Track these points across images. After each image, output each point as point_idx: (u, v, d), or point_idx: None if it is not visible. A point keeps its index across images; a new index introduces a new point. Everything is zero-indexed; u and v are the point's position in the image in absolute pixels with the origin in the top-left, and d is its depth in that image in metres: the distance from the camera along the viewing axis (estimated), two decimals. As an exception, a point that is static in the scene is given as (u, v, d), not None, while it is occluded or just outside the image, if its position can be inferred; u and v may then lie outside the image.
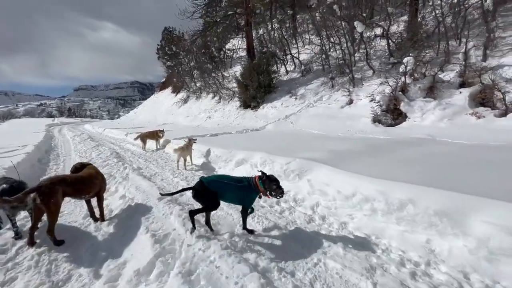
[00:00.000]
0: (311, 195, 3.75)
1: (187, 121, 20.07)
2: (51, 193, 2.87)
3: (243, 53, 25.26)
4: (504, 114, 5.99)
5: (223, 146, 6.86)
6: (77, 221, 3.61)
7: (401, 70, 8.08)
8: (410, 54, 8.45)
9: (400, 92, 7.95)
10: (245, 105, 16.22)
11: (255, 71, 14.90)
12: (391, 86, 7.87)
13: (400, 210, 2.74)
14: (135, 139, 9.96)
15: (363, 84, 10.93)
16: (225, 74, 22.38)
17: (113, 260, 2.63)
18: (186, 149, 6.67)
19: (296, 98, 13.45)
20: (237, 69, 22.21)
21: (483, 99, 6.51)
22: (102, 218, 3.57)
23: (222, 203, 3.02)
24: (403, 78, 8.14)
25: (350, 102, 10.33)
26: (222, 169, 5.94)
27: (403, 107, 7.62)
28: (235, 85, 19.61)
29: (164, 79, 39.50)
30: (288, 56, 17.85)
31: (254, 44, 18.29)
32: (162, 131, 9.52)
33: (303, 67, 16.30)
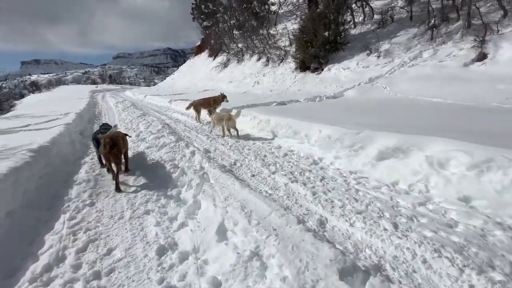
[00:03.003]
0: None
1: (231, 87, 17.59)
2: None
3: (287, 8, 21.24)
4: None
5: (327, 122, 4.40)
6: None
7: None
8: None
9: None
10: (303, 67, 13.15)
11: (321, 22, 11.51)
12: None
13: None
14: (188, 108, 7.80)
15: (499, 31, 7.31)
16: (271, 32, 18.94)
17: None
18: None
19: (378, 56, 10.12)
20: (284, 26, 18.66)
21: None
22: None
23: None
24: None
25: (482, 57, 6.95)
26: (345, 159, 3.53)
27: None
28: (286, 43, 16.35)
29: (199, 43, 36.56)
30: (355, 4, 13.84)
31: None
32: (225, 97, 7.26)
33: (379, 16, 12.45)
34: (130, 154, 4.37)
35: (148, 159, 4.33)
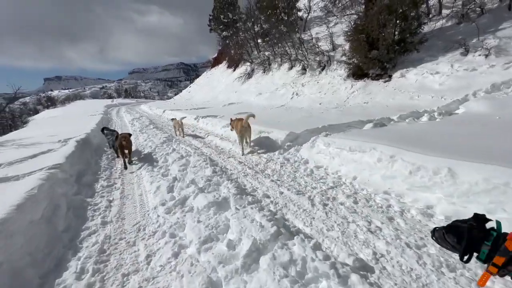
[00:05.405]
0: None
1: (262, 99, 14.93)
2: None
3: (317, 13, 18.95)
4: None
5: None
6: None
7: None
8: None
9: None
10: (358, 73, 10.39)
11: (390, 17, 8.77)
12: None
13: None
14: (233, 127, 4.93)
15: None
16: (304, 38, 16.39)
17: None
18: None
19: (486, 55, 7.21)
20: (317, 31, 16.14)
21: None
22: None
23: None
24: None
25: None
26: None
27: None
28: (328, 47, 13.66)
29: (216, 54, 34.69)
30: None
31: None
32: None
33: (458, 9, 9.64)
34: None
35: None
